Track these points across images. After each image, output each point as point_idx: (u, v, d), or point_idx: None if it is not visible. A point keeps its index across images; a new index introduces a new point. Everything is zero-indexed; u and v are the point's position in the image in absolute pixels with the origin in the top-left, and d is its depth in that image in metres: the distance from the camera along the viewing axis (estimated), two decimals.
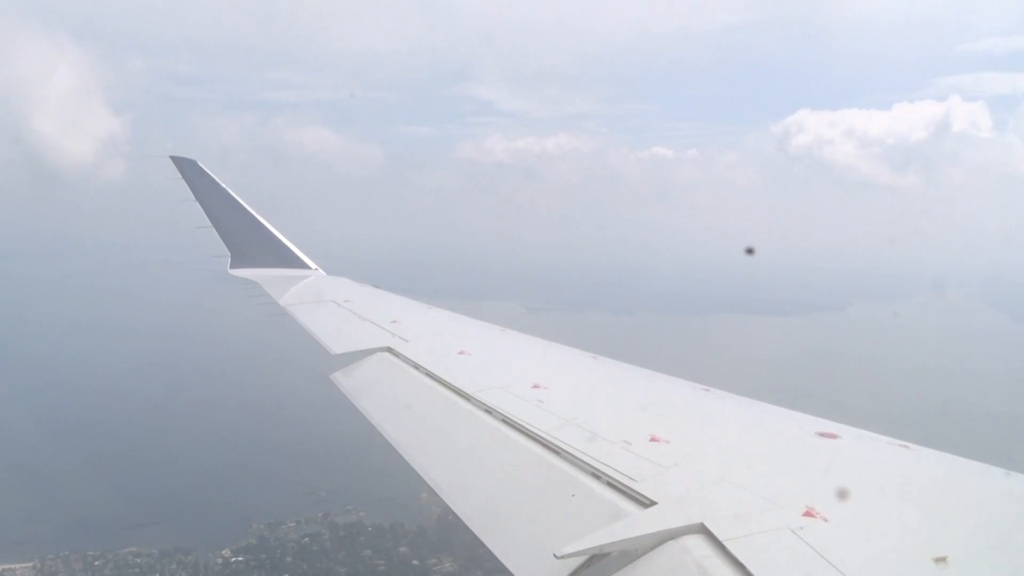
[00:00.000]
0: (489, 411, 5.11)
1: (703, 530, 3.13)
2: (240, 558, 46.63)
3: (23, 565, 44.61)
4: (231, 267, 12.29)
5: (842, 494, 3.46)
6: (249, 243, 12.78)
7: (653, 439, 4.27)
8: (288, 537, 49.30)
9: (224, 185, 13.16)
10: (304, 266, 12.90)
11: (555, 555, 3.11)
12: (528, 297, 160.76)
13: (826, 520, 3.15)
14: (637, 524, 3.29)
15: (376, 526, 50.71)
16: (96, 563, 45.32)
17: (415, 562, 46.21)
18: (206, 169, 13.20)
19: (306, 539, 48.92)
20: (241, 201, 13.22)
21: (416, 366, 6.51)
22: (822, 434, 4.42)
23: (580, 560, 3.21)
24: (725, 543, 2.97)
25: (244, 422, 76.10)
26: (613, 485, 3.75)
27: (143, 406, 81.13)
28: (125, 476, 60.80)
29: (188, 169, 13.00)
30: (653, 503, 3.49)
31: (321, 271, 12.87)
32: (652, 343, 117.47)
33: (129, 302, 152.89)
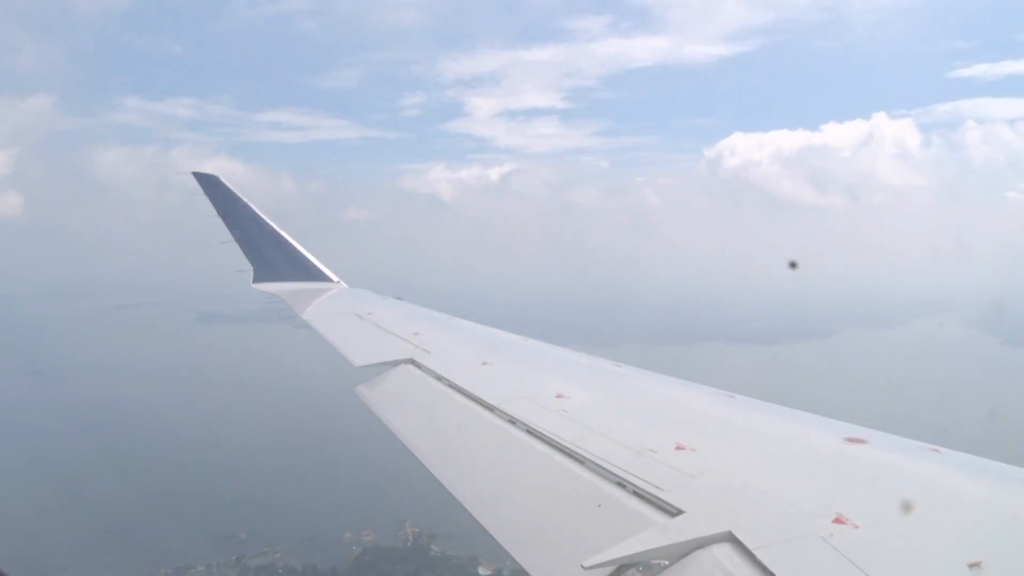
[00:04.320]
0: (513, 422, 5.07)
1: (731, 538, 3.08)
2: None
3: None
4: (254, 281, 12.38)
5: (872, 500, 3.44)
6: (271, 257, 12.87)
7: (679, 447, 4.20)
8: None
9: (246, 200, 13.26)
10: (326, 279, 12.97)
11: (583, 566, 3.08)
12: (506, 329, 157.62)
13: (856, 527, 3.08)
14: (664, 533, 3.25)
15: (288, 568, 49.15)
16: None
17: None
18: (228, 185, 13.28)
19: None
20: (263, 216, 13.25)
21: (439, 378, 6.49)
22: (850, 439, 4.31)
23: (608, 570, 3.15)
24: (754, 551, 2.93)
25: (197, 457, 74.57)
26: (639, 494, 3.68)
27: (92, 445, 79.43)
28: (52, 515, 57.20)
29: (210, 185, 13.05)
30: (680, 512, 3.42)
31: (343, 284, 12.94)
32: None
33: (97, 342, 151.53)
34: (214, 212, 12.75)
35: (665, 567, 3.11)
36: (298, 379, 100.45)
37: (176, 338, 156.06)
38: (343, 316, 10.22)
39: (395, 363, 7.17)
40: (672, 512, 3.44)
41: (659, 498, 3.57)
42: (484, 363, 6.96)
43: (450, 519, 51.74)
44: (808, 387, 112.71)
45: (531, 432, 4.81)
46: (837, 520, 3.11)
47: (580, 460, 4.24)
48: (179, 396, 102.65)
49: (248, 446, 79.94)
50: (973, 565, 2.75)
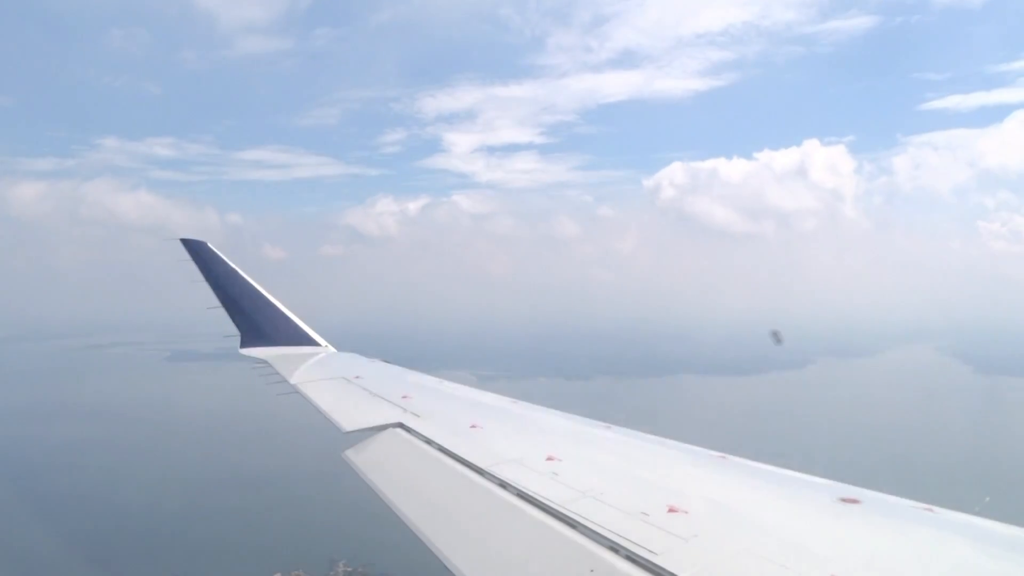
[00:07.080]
0: (503, 485, 5.04)
1: None
2: None
3: None
4: (241, 347, 12.35)
5: (868, 562, 3.43)
6: (259, 322, 12.87)
7: (671, 510, 4.22)
8: None
9: (233, 265, 13.21)
10: (314, 343, 13.04)
11: None
12: (478, 365, 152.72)
13: None
14: None
15: None
16: None
17: None
18: (215, 250, 13.24)
19: None
20: (251, 280, 13.24)
21: (428, 441, 6.46)
22: (844, 499, 4.33)
23: None
24: None
25: (137, 500, 73.56)
26: (632, 559, 3.65)
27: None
28: None
29: (197, 250, 13.01)
30: None
31: (331, 347, 12.99)
32: (618, 409, 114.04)
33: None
34: (201, 277, 12.65)
35: None
36: (261, 425, 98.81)
37: (145, 378, 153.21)
38: (331, 380, 10.17)
39: (384, 427, 7.10)
40: None
41: (653, 563, 3.54)
42: (473, 426, 6.97)
43: (385, 557, 51.22)
44: (791, 420, 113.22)
45: (522, 496, 4.78)
46: None
47: (572, 524, 4.19)
48: (136, 437, 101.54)
49: (197, 486, 79.06)
50: None
